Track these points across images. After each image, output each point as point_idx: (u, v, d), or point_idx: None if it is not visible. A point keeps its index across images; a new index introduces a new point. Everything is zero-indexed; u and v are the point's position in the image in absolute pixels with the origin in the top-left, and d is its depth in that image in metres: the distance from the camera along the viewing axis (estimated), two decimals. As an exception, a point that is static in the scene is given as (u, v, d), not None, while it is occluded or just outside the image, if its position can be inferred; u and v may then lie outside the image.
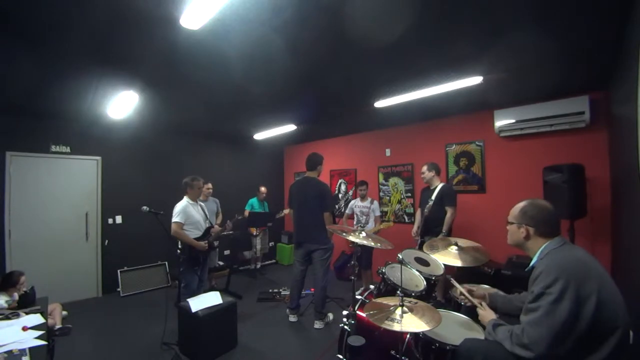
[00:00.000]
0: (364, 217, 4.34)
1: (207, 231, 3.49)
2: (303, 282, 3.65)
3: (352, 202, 4.56)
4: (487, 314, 1.71)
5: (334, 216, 4.49)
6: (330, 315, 3.57)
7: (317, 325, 3.40)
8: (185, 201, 3.38)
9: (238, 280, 5.06)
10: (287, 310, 3.68)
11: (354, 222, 4.43)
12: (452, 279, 2.13)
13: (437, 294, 3.45)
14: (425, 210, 3.55)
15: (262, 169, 6.72)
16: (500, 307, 1.81)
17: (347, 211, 4.59)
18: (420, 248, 3.19)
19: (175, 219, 3.22)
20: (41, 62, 2.47)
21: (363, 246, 3.05)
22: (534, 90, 3.23)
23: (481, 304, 1.80)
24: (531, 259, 1.54)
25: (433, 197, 3.51)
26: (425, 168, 3.65)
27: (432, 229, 3.45)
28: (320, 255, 3.46)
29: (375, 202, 4.39)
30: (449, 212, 3.38)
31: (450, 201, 3.43)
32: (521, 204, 1.59)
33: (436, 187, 3.57)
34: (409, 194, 4.82)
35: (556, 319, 1.25)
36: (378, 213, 4.36)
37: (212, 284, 4.48)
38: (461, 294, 1.94)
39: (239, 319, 3.12)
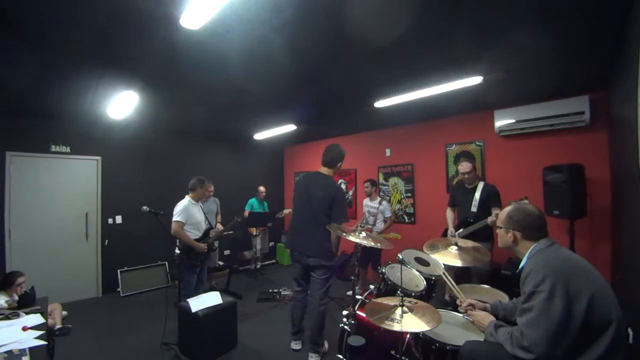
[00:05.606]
0: (372, 217, 4.16)
1: (207, 233, 3.48)
2: (305, 304, 2.91)
3: (364, 201, 4.42)
4: (481, 316, 1.71)
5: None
6: (326, 344, 2.90)
7: (313, 358, 2.73)
8: (187, 200, 3.35)
9: (238, 280, 5.06)
10: (292, 337, 2.96)
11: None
12: (444, 273, 2.14)
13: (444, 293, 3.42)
14: (471, 212, 3.16)
15: (262, 169, 6.72)
16: (503, 318, 1.75)
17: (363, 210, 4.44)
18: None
19: (176, 218, 3.18)
20: (41, 62, 2.47)
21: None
22: (534, 90, 3.23)
23: (472, 306, 1.81)
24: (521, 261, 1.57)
25: (477, 197, 3.14)
26: (468, 166, 3.21)
27: (477, 233, 3.02)
28: (320, 274, 2.75)
29: (385, 203, 4.20)
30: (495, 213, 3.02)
31: (498, 202, 3.07)
32: (508, 209, 1.62)
33: (476, 186, 3.24)
34: (409, 194, 4.82)
35: (551, 317, 1.26)
36: (388, 214, 4.16)
37: (212, 284, 4.48)
38: (451, 290, 1.96)
39: (239, 319, 3.12)
